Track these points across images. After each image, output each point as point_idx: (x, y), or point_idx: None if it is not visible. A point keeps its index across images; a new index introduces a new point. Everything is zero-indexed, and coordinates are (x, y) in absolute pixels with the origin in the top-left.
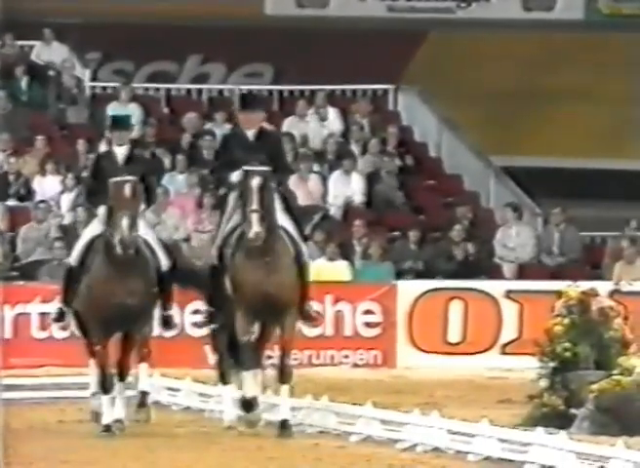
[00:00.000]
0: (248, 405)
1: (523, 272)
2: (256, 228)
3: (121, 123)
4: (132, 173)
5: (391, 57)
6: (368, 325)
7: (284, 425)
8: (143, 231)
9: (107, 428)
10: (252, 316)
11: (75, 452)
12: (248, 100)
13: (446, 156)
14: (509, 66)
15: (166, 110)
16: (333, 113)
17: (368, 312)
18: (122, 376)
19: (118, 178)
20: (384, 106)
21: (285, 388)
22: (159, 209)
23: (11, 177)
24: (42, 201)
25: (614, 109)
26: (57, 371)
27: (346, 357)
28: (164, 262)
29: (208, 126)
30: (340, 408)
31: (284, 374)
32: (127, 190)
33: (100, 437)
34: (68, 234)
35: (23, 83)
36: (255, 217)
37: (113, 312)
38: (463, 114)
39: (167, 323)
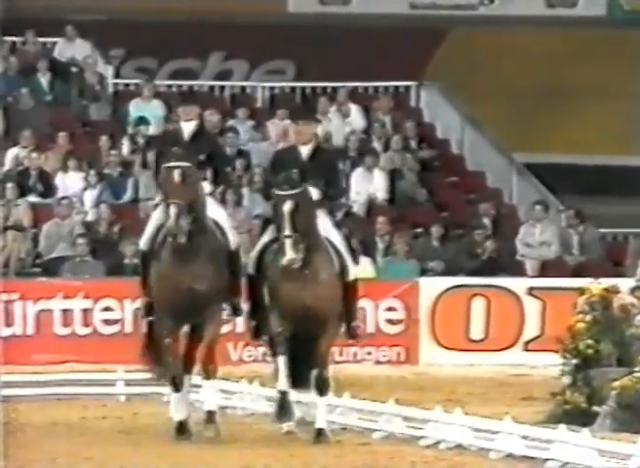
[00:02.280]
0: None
1: (545, 269)
2: (289, 255)
3: (189, 98)
4: (197, 150)
5: (413, 53)
6: (390, 322)
7: (320, 433)
8: (213, 211)
9: (181, 426)
10: (290, 327)
11: (98, 449)
12: (300, 111)
13: (468, 153)
14: (532, 63)
15: None
16: (355, 110)
17: (390, 309)
18: (187, 370)
19: (169, 164)
20: (406, 103)
21: (323, 400)
22: None
23: (33, 174)
24: (64, 197)
25: (636, 105)
26: (79, 368)
27: (369, 354)
28: (233, 241)
29: (230, 123)
30: (362, 404)
31: (321, 388)
32: (176, 177)
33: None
34: (91, 231)
35: (46, 80)
36: (288, 243)
37: (182, 299)
38: (486, 111)
39: (236, 309)
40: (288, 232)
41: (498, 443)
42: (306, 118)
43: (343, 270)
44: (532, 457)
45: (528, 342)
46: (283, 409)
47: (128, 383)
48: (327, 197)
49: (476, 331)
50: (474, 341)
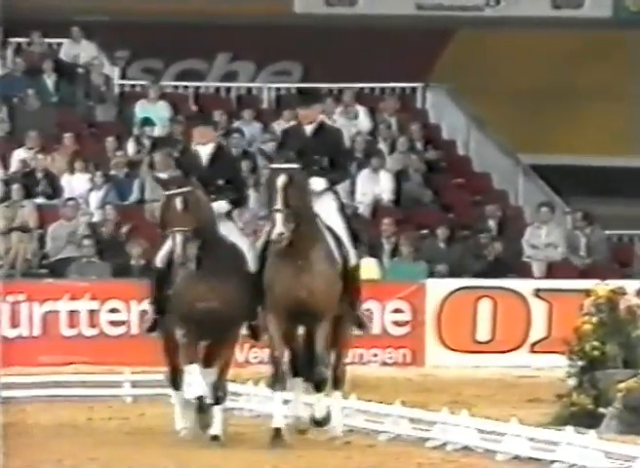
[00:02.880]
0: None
1: (552, 271)
2: (278, 229)
3: (206, 118)
4: (217, 174)
5: (420, 54)
6: (397, 323)
7: (318, 423)
8: (232, 234)
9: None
10: (285, 321)
11: (104, 450)
12: (303, 96)
13: (474, 154)
14: (538, 64)
15: (194, 108)
16: (361, 111)
17: (397, 311)
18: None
19: (170, 192)
20: (413, 104)
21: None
22: None
23: (39, 175)
24: (70, 198)
25: None
26: (85, 369)
27: (375, 355)
28: (251, 265)
29: (236, 124)
30: (368, 406)
31: (318, 385)
32: (179, 205)
33: (129, 434)
34: (97, 232)
35: (51, 81)
36: (278, 217)
37: (198, 318)
38: (492, 112)
39: (254, 332)
40: (279, 206)
41: (504, 444)
42: (309, 102)
43: (344, 258)
44: (538, 459)
45: (534, 344)
46: (276, 441)
47: (134, 385)
48: (331, 180)
49: (482, 333)
50: (480, 343)
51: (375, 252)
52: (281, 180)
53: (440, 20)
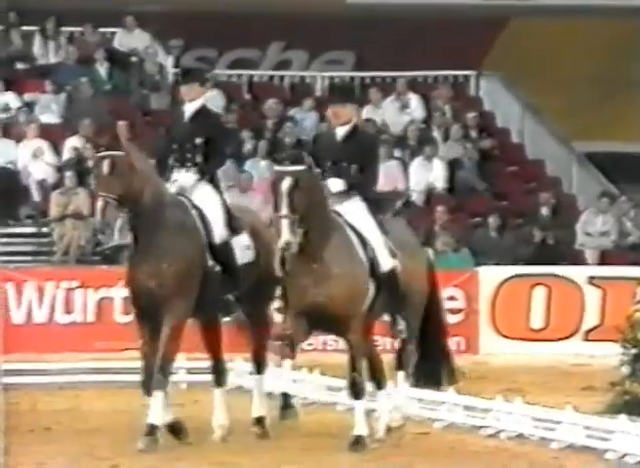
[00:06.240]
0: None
1: (605, 258)
2: (285, 237)
3: (191, 75)
4: (195, 131)
5: (473, 43)
6: (450, 311)
7: (358, 440)
8: (202, 199)
9: (151, 429)
10: (305, 326)
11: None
12: (336, 92)
13: (528, 142)
14: (592, 52)
15: (248, 96)
16: (415, 100)
17: (451, 298)
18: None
19: (99, 154)
20: (466, 92)
21: (358, 405)
22: (242, 193)
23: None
24: None
25: None
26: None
27: None
28: (218, 234)
29: (292, 112)
30: (423, 394)
31: (355, 392)
32: (104, 168)
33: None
34: None
35: (104, 69)
36: (284, 224)
37: (139, 298)
38: (546, 100)
39: (225, 307)
40: (285, 212)
41: (559, 433)
42: (341, 100)
43: (373, 262)
44: (592, 447)
45: (588, 332)
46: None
47: (189, 371)
48: (354, 186)
49: (536, 321)
50: (535, 330)
51: (428, 240)
52: (285, 184)
53: (494, 9)
